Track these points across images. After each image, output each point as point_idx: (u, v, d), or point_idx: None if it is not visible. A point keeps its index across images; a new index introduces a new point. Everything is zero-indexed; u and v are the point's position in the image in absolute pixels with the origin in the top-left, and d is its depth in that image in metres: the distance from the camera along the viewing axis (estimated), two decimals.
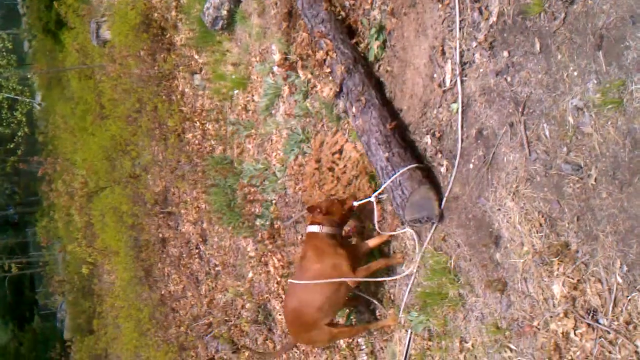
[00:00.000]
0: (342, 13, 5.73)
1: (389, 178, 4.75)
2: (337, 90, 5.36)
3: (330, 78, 5.52)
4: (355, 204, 5.35)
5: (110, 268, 15.98)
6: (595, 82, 3.48)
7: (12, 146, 22.71)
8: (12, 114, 22.11)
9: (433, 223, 4.80)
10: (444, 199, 4.70)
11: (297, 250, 6.98)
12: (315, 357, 6.72)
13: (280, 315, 7.50)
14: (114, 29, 13.06)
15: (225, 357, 8.98)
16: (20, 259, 27.81)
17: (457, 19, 4.47)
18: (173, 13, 10.54)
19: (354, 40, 5.54)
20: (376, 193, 5.21)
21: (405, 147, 4.91)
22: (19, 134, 22.54)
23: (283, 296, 7.31)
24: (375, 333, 5.66)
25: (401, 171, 4.67)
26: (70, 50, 19.01)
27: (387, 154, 4.82)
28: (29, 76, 25.46)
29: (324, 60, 5.47)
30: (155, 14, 11.05)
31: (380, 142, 4.90)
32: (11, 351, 31.61)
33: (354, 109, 5.18)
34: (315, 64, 5.97)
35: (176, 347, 10.67)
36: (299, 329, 5.51)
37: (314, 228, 5.26)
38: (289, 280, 5.62)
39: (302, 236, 6.86)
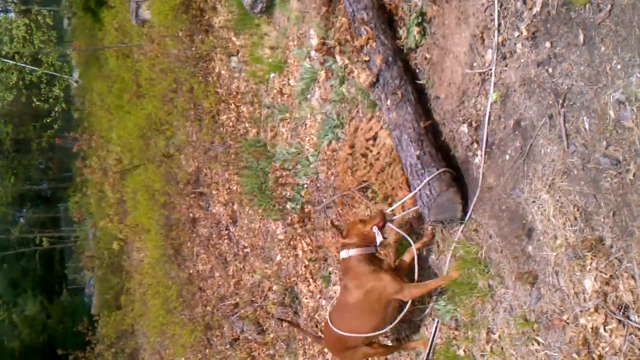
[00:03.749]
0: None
1: (418, 177, 4.80)
2: (374, 80, 5.34)
3: (367, 67, 5.50)
4: (388, 210, 5.21)
5: (140, 245, 16.21)
6: (639, 75, 3.43)
7: (48, 121, 23.07)
8: (50, 89, 22.44)
9: (460, 223, 4.85)
10: (475, 197, 4.70)
11: (327, 234, 7.01)
12: None
13: (306, 299, 7.55)
14: (153, 8, 13.17)
15: (250, 337, 9.08)
16: (52, 234, 28.33)
17: (496, 7, 4.44)
18: None
19: (394, 30, 5.52)
20: (391, 209, 5.27)
21: (437, 148, 4.95)
22: (56, 109, 22.88)
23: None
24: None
25: (433, 174, 4.70)
26: (109, 29, 19.26)
27: (418, 152, 4.87)
28: (67, 53, 25.81)
29: (362, 47, 5.45)
30: None
31: (412, 139, 4.93)
32: (39, 323, 32.27)
33: (388, 102, 5.17)
34: (353, 50, 5.96)
35: (202, 326, 10.80)
36: (336, 347, 5.46)
37: (343, 254, 5.07)
38: (329, 310, 5.53)
39: (331, 221, 6.87)
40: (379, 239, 4.99)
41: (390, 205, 5.44)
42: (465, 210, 4.80)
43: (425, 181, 4.72)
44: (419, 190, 4.78)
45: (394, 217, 5.29)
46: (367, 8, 5.54)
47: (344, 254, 5.05)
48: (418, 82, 5.31)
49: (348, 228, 5.12)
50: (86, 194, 21.34)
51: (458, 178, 4.86)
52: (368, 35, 5.39)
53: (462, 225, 4.83)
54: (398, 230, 5.25)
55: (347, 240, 5.04)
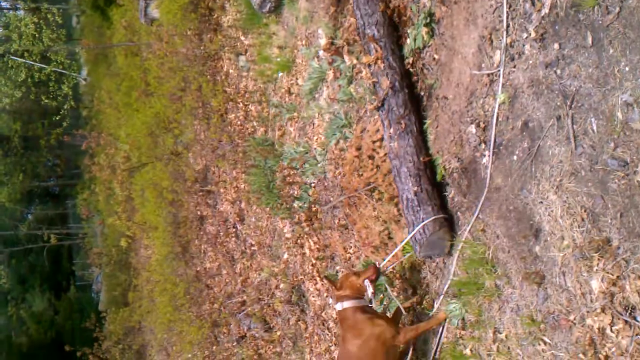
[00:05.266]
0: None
1: (413, 212, 5.01)
2: (379, 105, 5.38)
3: (374, 89, 5.53)
4: (382, 264, 5.43)
5: (148, 242, 16.27)
6: None
7: (57, 119, 23.19)
8: (59, 87, 22.54)
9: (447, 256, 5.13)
10: (483, 197, 4.73)
11: (333, 234, 7.03)
12: None
13: (313, 297, 7.59)
14: (162, 7, 13.23)
15: (257, 335, 9.12)
16: (60, 230, 28.44)
17: (505, 8, 4.45)
18: None
19: (400, 46, 5.53)
20: (384, 262, 5.50)
21: (434, 185, 5.10)
22: (65, 107, 23.01)
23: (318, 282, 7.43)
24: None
25: (429, 219, 4.92)
26: (118, 27, 19.37)
27: (415, 188, 4.99)
28: (76, 51, 25.92)
29: (369, 66, 5.47)
30: None
31: (411, 173, 5.06)
32: (47, 319, 32.41)
33: (391, 130, 5.23)
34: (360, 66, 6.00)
35: (209, 323, 10.85)
36: None
37: (338, 306, 5.20)
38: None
39: (338, 220, 6.91)
40: (369, 291, 5.14)
41: (387, 254, 5.62)
42: (452, 247, 5.05)
43: (419, 226, 4.92)
44: (413, 227, 5.00)
45: (387, 270, 5.59)
46: (379, 24, 5.52)
47: (338, 306, 5.18)
48: (426, 81, 5.34)
49: (341, 281, 5.26)
50: (94, 191, 21.46)
51: (448, 218, 5.06)
52: (377, 55, 5.39)
53: (469, 226, 4.85)
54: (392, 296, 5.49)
55: (340, 292, 5.19)
